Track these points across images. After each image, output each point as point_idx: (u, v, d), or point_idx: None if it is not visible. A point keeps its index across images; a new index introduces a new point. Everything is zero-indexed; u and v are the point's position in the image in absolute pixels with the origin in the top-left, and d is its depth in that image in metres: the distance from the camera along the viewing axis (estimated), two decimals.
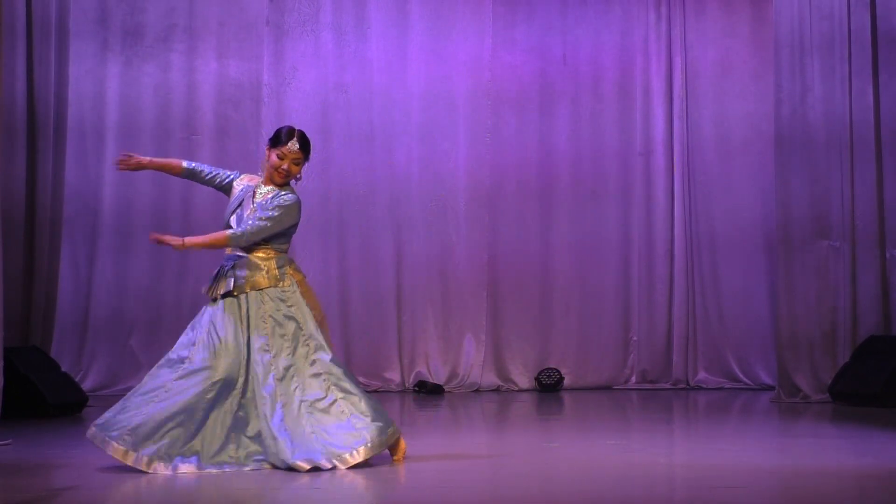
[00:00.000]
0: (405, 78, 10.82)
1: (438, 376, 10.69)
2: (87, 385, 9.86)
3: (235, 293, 6.05)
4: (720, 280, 10.88)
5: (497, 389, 10.73)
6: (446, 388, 10.61)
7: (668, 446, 7.13)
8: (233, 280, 6.05)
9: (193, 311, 10.39)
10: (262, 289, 6.05)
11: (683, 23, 10.97)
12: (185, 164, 6.34)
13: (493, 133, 10.82)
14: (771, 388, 10.20)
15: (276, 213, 6.04)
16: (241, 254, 6.09)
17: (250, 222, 6.02)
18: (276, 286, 6.07)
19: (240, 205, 6.18)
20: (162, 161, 6.41)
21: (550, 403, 9.75)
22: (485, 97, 10.86)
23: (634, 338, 10.88)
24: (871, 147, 9.38)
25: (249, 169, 10.52)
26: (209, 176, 6.34)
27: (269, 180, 6.18)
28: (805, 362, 9.37)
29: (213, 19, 10.55)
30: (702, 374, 10.83)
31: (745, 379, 10.73)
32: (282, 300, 6.05)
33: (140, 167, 6.26)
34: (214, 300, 6.11)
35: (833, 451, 6.74)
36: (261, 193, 6.15)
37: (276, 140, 6.15)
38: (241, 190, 6.22)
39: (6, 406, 7.23)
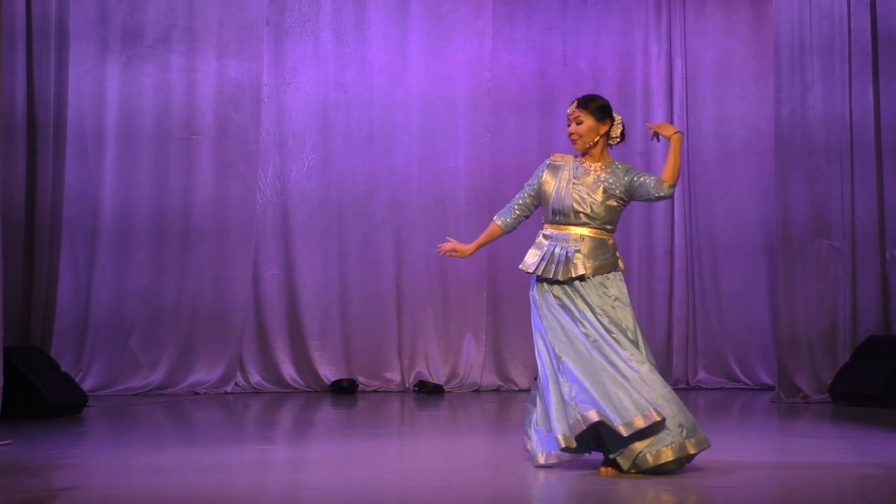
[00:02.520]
0: (405, 78, 10.82)
1: (438, 376, 10.69)
2: (87, 385, 9.86)
3: (590, 276, 5.77)
4: (720, 280, 10.88)
5: (497, 389, 10.73)
6: (446, 388, 10.61)
7: None
8: (581, 264, 5.75)
9: (193, 311, 10.52)
10: (611, 272, 5.80)
11: (683, 23, 10.97)
12: (502, 221, 6.06)
13: (493, 133, 10.83)
14: (771, 388, 10.20)
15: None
16: (590, 235, 5.81)
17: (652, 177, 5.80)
18: (621, 270, 5.85)
19: (573, 184, 5.90)
20: (484, 238, 6.12)
21: None
22: (485, 97, 10.86)
23: None
24: (870, 147, 9.39)
25: (248, 169, 10.65)
26: (527, 206, 6.04)
27: (588, 157, 5.97)
28: (805, 362, 9.37)
29: (213, 19, 10.55)
30: (702, 375, 10.83)
31: (745, 379, 10.73)
32: (622, 285, 5.82)
33: (465, 255, 6.09)
34: (551, 282, 5.81)
35: (833, 451, 6.73)
36: (590, 169, 5.94)
37: None
38: (561, 167, 5.97)
39: (6, 406, 7.23)
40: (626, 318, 5.78)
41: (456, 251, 6.06)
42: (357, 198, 10.75)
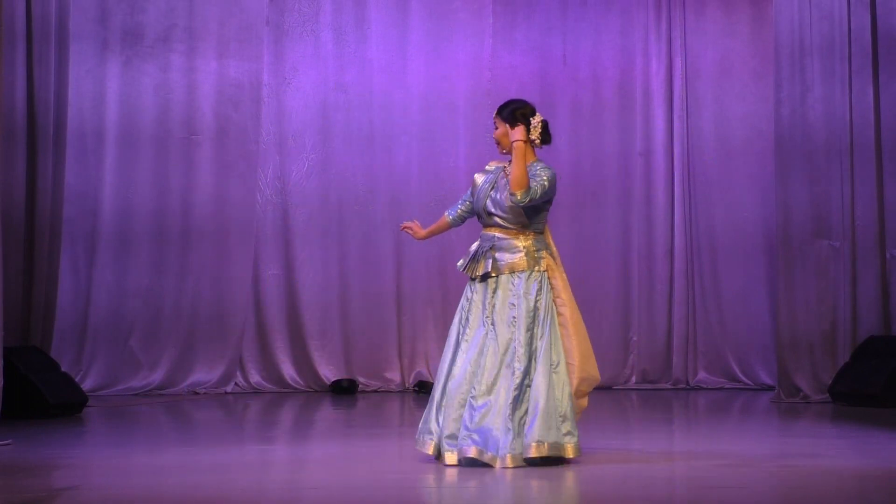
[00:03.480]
0: (405, 78, 10.81)
1: None
2: (87, 385, 9.86)
3: (494, 274, 6.01)
4: (720, 280, 10.87)
5: None
6: None
7: (668, 446, 7.13)
8: (491, 262, 6.01)
9: (193, 311, 10.51)
10: (517, 272, 5.99)
11: (683, 23, 10.97)
12: (450, 215, 6.37)
13: (493, 133, 10.80)
14: (771, 388, 10.20)
15: (541, 181, 5.98)
16: (501, 235, 6.05)
17: (533, 184, 5.95)
18: (532, 270, 6.00)
19: (493, 187, 6.11)
20: (434, 227, 6.46)
21: None
22: (485, 97, 10.85)
23: (634, 338, 10.88)
24: (870, 147, 9.38)
25: (248, 169, 10.65)
26: (467, 204, 6.29)
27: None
28: (805, 362, 9.36)
29: (213, 19, 10.54)
30: (702, 375, 10.83)
31: (745, 379, 10.72)
32: (530, 285, 5.98)
33: (417, 237, 6.45)
34: (473, 279, 6.09)
35: (833, 451, 6.74)
36: (509, 171, 6.09)
37: None
38: (491, 173, 6.18)
39: (6, 406, 7.23)
40: (523, 317, 5.92)
41: (412, 230, 6.39)
42: (357, 198, 10.74)
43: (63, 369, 9.15)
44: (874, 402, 8.73)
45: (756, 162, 10.77)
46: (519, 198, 5.94)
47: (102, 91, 10.38)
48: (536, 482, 5.55)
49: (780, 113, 9.52)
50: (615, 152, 10.98)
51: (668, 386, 10.81)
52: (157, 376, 10.34)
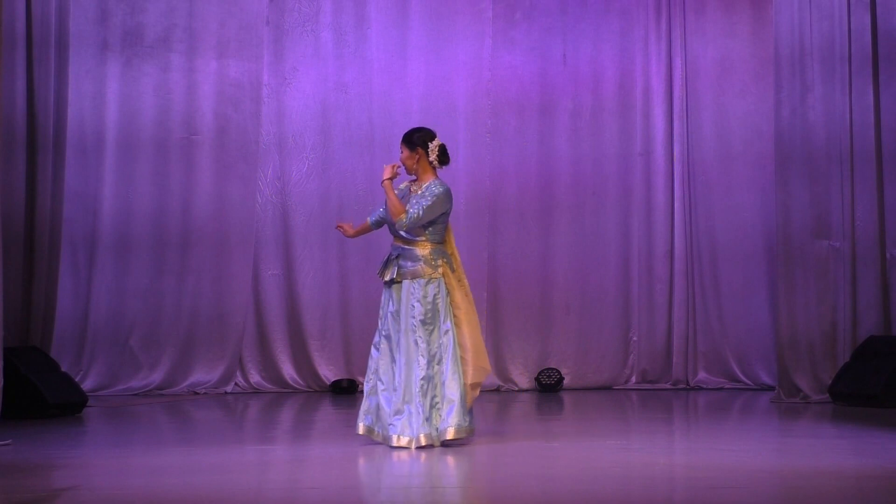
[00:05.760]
0: (405, 78, 10.82)
1: None
2: (87, 385, 9.86)
3: (398, 280, 6.81)
4: (720, 280, 10.87)
5: (497, 389, 10.73)
6: None
7: (668, 446, 7.14)
8: (396, 269, 6.81)
9: (193, 311, 10.52)
10: (417, 278, 6.77)
11: (683, 23, 10.97)
12: (370, 220, 7.19)
13: (492, 133, 10.82)
14: (771, 388, 10.20)
15: (426, 202, 6.77)
16: (404, 245, 6.84)
17: (412, 210, 6.78)
18: (430, 276, 6.78)
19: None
20: (360, 228, 7.27)
21: (550, 403, 9.75)
22: (485, 97, 10.86)
23: (634, 338, 10.88)
24: (870, 148, 9.37)
25: (248, 170, 10.66)
26: (384, 214, 7.07)
27: (417, 180, 6.98)
28: (805, 363, 9.36)
29: (213, 19, 10.55)
30: (702, 375, 10.83)
31: (745, 379, 10.73)
32: (428, 289, 6.77)
33: (347, 236, 7.31)
34: (388, 284, 6.87)
35: (833, 452, 6.74)
36: (413, 189, 6.95)
37: None
38: (400, 191, 6.98)
39: (6, 406, 7.23)
40: (422, 317, 6.72)
41: (343, 229, 7.24)
42: (357, 197, 10.74)
43: (63, 369, 9.15)
44: (874, 402, 8.73)
45: (756, 162, 10.76)
46: (398, 224, 6.83)
47: (102, 92, 10.38)
48: (538, 484, 5.55)
49: (780, 113, 9.52)
50: (615, 152, 10.98)
51: (668, 386, 10.82)
52: (157, 376, 10.34)
